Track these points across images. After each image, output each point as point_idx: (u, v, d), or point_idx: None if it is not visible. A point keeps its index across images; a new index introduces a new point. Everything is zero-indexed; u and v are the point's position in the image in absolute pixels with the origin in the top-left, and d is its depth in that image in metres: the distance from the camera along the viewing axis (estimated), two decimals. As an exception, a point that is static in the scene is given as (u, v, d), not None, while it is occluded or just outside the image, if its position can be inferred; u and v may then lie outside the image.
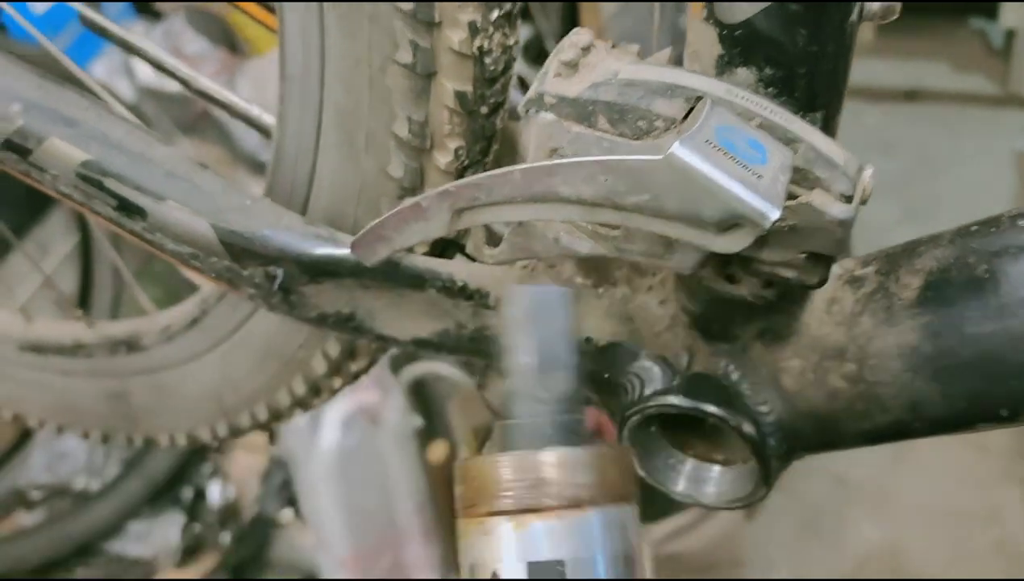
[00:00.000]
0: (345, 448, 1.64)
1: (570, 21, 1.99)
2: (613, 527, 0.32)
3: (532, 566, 0.30)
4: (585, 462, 0.32)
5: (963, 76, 2.54)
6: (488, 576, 0.31)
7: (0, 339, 0.83)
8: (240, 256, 0.46)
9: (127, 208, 0.46)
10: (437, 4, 0.41)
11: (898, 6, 0.36)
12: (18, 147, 0.46)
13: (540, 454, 0.31)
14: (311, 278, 0.46)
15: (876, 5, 0.36)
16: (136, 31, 1.90)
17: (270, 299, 0.48)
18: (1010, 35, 2.51)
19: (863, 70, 2.22)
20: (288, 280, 0.46)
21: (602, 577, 0.30)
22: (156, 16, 1.94)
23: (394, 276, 0.46)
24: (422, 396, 1.71)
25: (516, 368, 0.33)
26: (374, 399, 1.65)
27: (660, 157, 0.32)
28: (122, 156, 0.45)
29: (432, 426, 1.59)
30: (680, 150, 0.32)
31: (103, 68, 1.86)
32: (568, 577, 0.30)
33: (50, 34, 1.76)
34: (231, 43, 1.92)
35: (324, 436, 1.64)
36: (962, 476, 1.85)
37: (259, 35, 1.87)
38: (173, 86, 1.77)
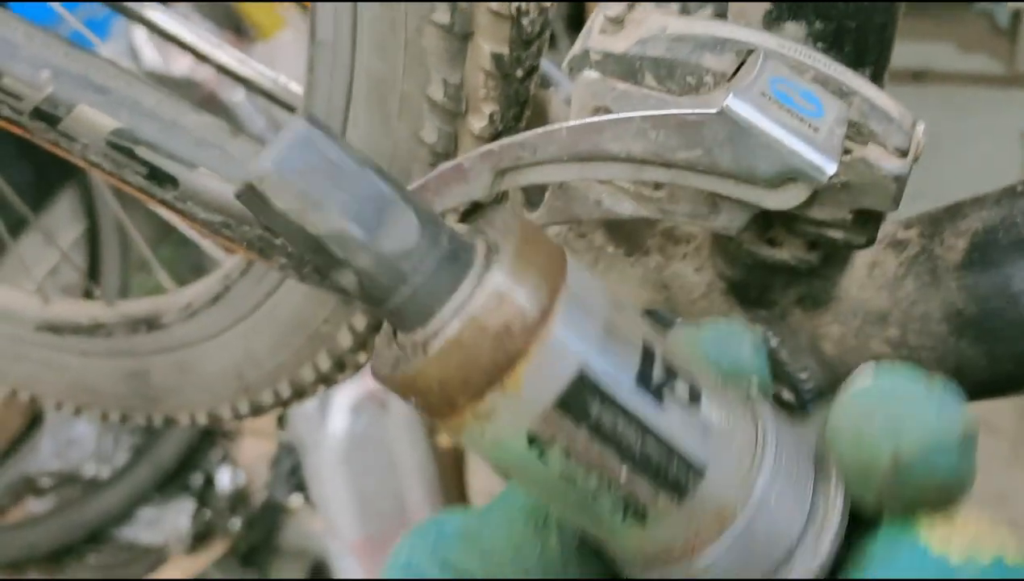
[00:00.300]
0: (354, 434, 1.64)
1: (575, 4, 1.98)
2: (586, 298, 0.26)
3: (562, 402, 0.25)
4: (513, 275, 0.26)
5: (969, 57, 2.53)
6: (523, 443, 0.25)
7: (16, 319, 0.82)
8: (272, 224, 0.45)
9: (158, 177, 0.45)
10: (475, -37, 0.40)
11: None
12: (47, 115, 0.45)
13: (468, 307, 0.25)
14: (344, 246, 0.45)
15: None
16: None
17: (301, 269, 0.47)
18: (1016, 16, 2.50)
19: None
20: (321, 248, 0.45)
21: (613, 346, 0.26)
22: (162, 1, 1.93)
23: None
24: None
25: (348, 244, 0.25)
26: (383, 384, 1.65)
27: (715, 110, 0.32)
28: (153, 123, 0.45)
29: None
30: (735, 103, 0.32)
31: (108, 53, 1.85)
32: (594, 375, 0.25)
33: (54, 23, 1.75)
34: (237, 27, 1.91)
35: (333, 422, 1.64)
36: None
37: (265, 19, 1.86)
38: (179, 70, 1.76)
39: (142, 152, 0.45)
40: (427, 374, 0.25)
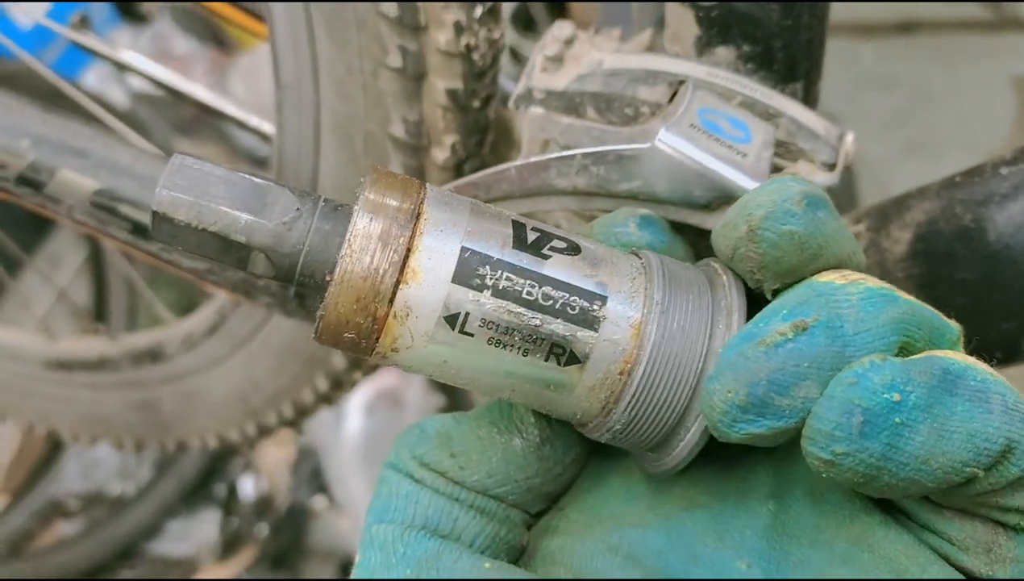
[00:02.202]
0: (371, 432, 1.67)
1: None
2: (449, 201, 0.30)
3: (458, 276, 0.29)
4: (378, 194, 0.29)
5: (957, 3, 2.51)
6: (446, 328, 0.29)
7: (25, 358, 0.85)
8: (254, 267, 0.47)
9: (142, 231, 0.47)
10: (422, 7, 0.42)
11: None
12: (32, 181, 0.47)
13: (352, 243, 0.29)
14: (324, 282, 0.47)
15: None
16: (123, 38, 1.90)
17: (286, 306, 0.49)
18: (1000, -42, 2.48)
19: (854, 7, 2.20)
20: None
21: (483, 224, 0.29)
22: (142, 19, 1.94)
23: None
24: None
25: (245, 229, 0.29)
26: (394, 382, 1.68)
27: (647, 145, 0.34)
28: (132, 181, 0.47)
29: (455, 402, 1.62)
30: (666, 137, 0.33)
31: (95, 76, 1.87)
32: (475, 246, 0.29)
33: (39, 47, 1.77)
34: (219, 39, 1.92)
35: (349, 423, 1.67)
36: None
37: (244, 33, 1.87)
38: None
39: (124, 209, 0.47)
40: (343, 298, 0.29)
